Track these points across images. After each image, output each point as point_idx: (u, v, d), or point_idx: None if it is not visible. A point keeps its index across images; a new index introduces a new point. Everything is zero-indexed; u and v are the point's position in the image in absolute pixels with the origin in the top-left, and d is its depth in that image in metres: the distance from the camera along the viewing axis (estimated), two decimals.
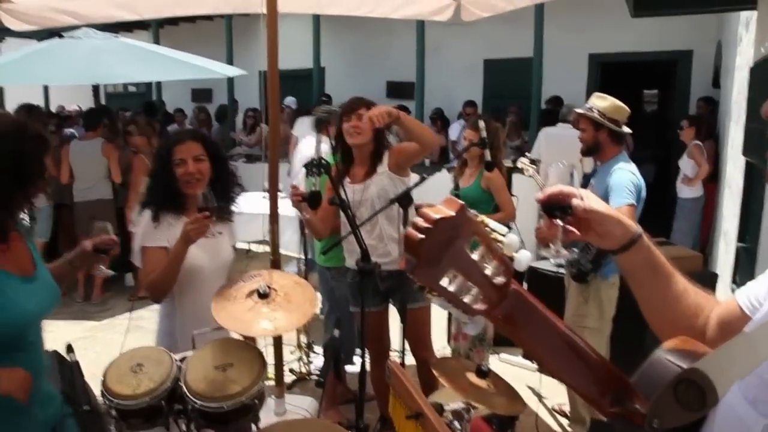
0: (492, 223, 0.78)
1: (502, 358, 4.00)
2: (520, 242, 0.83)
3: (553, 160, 3.95)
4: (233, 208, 2.30)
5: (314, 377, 3.77)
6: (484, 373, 1.73)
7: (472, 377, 1.72)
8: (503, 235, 0.78)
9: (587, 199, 0.97)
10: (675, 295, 1.02)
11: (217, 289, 2.02)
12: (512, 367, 3.88)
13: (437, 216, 0.69)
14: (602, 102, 2.86)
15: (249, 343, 1.96)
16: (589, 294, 2.81)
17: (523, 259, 0.80)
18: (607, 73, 8.17)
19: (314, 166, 2.10)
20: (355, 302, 2.86)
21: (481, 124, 2.56)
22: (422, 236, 0.69)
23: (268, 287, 1.94)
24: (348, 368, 3.44)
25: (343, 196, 2.70)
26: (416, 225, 0.70)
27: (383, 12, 3.54)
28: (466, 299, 0.73)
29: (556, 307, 3.34)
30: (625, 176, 2.72)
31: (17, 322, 1.57)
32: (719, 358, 0.69)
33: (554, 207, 0.97)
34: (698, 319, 1.01)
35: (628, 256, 0.99)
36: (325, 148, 2.73)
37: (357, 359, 3.47)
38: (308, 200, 2.12)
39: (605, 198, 2.69)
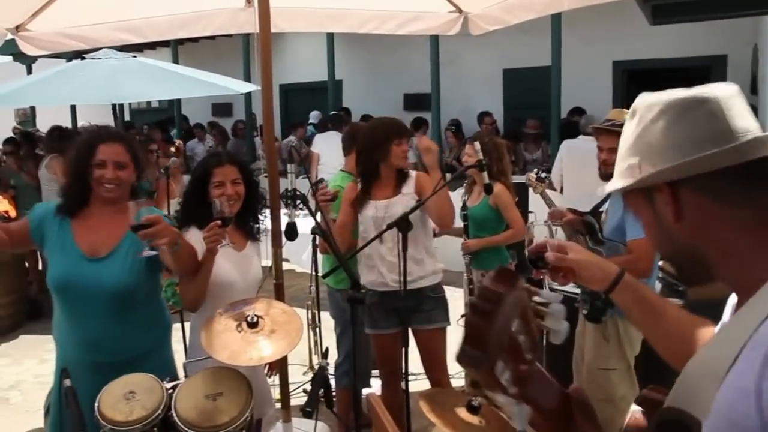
0: (541, 294, 0.74)
1: None
2: (564, 311, 0.79)
3: (574, 174, 3.77)
4: (260, 226, 2.41)
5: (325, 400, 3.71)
6: (475, 408, 1.66)
7: (462, 412, 1.66)
8: (547, 305, 0.76)
9: (568, 250, 1.11)
10: (668, 327, 1.07)
11: (206, 318, 2.03)
12: None
13: (500, 291, 0.61)
14: None
15: (238, 371, 1.94)
16: (610, 333, 2.61)
17: (563, 331, 0.74)
18: (634, 81, 7.94)
19: (289, 198, 2.07)
20: (369, 324, 2.86)
21: (477, 146, 2.48)
22: (488, 321, 0.60)
23: (257, 316, 1.94)
24: (364, 391, 3.37)
25: (363, 216, 2.70)
26: (477, 307, 0.60)
27: (388, 29, 3.51)
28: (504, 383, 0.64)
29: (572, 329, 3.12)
30: None
31: (54, 281, 2.06)
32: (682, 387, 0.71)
33: (537, 259, 1.13)
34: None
35: (618, 294, 1.09)
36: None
37: (375, 381, 3.41)
38: (285, 231, 2.10)
39: (620, 226, 2.52)
